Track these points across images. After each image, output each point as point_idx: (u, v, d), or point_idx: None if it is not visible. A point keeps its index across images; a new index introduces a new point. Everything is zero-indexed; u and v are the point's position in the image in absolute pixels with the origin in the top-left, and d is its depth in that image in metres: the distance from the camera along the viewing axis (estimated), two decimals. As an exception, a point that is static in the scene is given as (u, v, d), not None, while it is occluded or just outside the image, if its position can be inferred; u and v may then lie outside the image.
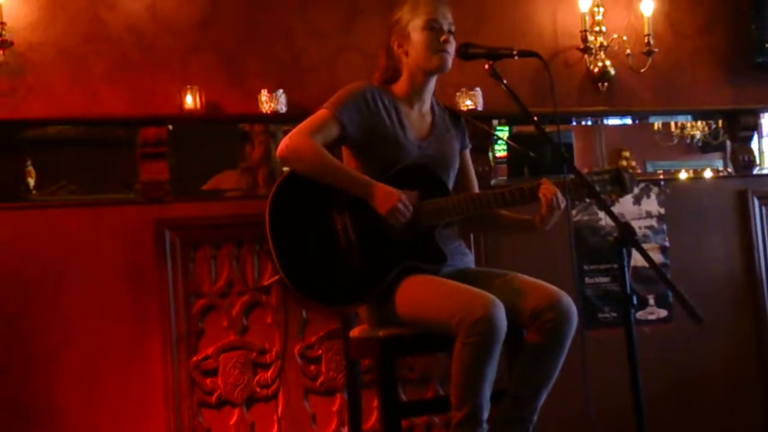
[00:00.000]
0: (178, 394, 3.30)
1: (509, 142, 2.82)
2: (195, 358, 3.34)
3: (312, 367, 3.44)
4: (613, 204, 2.63)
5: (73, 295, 3.29)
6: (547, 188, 2.57)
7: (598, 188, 2.59)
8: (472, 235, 3.38)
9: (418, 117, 2.78)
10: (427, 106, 2.81)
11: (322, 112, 2.66)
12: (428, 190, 2.65)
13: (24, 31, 3.68)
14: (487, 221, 2.83)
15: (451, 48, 2.67)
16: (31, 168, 3.81)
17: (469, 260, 2.83)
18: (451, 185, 2.78)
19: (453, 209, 2.64)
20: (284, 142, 2.62)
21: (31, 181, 3.81)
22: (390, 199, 2.55)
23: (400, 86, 2.76)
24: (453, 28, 2.70)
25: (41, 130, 3.76)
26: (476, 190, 2.90)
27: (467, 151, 2.92)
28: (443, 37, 2.66)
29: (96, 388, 3.28)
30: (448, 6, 2.71)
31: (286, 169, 2.81)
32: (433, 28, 2.66)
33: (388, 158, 2.68)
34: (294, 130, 2.63)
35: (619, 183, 2.64)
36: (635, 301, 2.21)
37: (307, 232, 2.59)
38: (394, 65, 2.76)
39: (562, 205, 2.56)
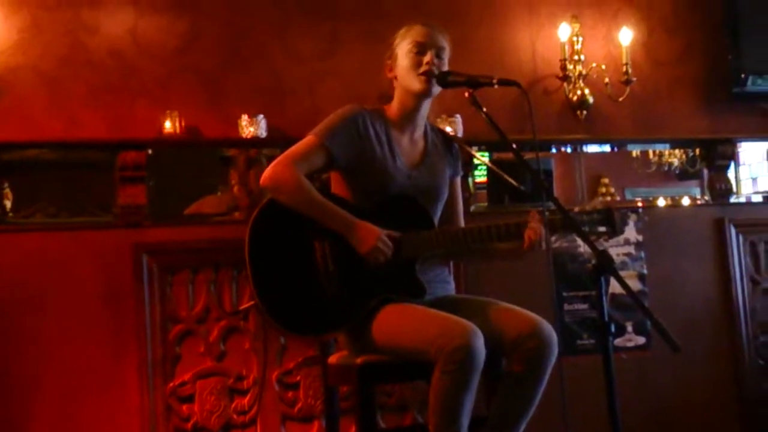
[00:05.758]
0: (154, 420, 3.27)
1: (500, 172, 2.77)
2: (171, 384, 3.31)
3: (290, 394, 3.42)
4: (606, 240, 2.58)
5: (50, 319, 3.26)
6: (533, 231, 2.52)
7: (587, 228, 2.54)
8: (451, 262, 3.38)
9: (410, 143, 2.73)
10: (420, 132, 2.75)
11: (309, 139, 2.59)
12: (412, 222, 2.61)
13: (2, 54, 3.67)
14: (469, 250, 2.75)
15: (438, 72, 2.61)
16: (8, 191, 3.79)
17: (449, 288, 2.80)
18: (438, 215, 2.74)
19: (435, 244, 2.61)
20: (268, 172, 2.55)
21: (8, 204, 3.79)
22: (369, 238, 2.51)
23: (392, 109, 2.71)
24: (444, 54, 2.65)
25: (19, 153, 3.74)
26: (461, 220, 2.85)
27: (458, 179, 2.86)
28: (426, 59, 2.60)
29: (74, 412, 3.25)
30: (442, 33, 2.67)
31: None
32: (419, 51, 2.62)
33: (375, 186, 2.63)
34: (279, 158, 2.57)
35: (610, 224, 2.56)
36: (613, 329, 2.20)
37: (286, 259, 2.55)
38: (388, 88, 2.72)
39: (544, 245, 2.53)
